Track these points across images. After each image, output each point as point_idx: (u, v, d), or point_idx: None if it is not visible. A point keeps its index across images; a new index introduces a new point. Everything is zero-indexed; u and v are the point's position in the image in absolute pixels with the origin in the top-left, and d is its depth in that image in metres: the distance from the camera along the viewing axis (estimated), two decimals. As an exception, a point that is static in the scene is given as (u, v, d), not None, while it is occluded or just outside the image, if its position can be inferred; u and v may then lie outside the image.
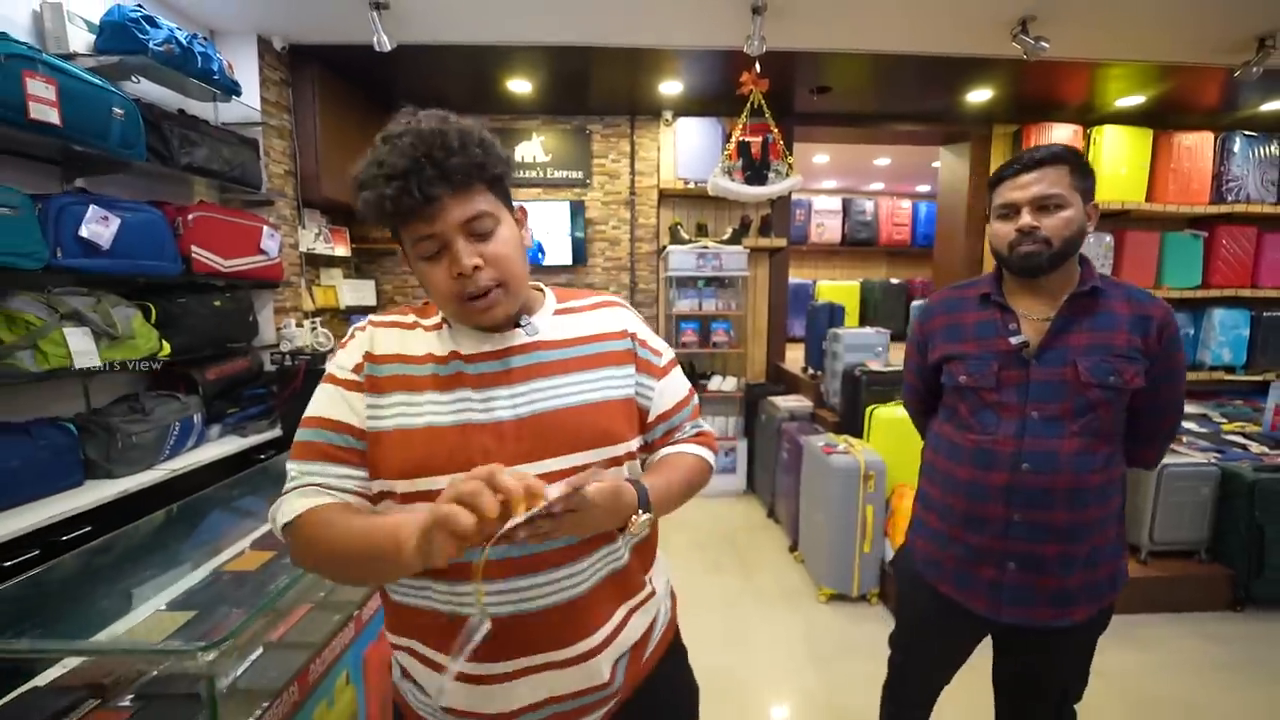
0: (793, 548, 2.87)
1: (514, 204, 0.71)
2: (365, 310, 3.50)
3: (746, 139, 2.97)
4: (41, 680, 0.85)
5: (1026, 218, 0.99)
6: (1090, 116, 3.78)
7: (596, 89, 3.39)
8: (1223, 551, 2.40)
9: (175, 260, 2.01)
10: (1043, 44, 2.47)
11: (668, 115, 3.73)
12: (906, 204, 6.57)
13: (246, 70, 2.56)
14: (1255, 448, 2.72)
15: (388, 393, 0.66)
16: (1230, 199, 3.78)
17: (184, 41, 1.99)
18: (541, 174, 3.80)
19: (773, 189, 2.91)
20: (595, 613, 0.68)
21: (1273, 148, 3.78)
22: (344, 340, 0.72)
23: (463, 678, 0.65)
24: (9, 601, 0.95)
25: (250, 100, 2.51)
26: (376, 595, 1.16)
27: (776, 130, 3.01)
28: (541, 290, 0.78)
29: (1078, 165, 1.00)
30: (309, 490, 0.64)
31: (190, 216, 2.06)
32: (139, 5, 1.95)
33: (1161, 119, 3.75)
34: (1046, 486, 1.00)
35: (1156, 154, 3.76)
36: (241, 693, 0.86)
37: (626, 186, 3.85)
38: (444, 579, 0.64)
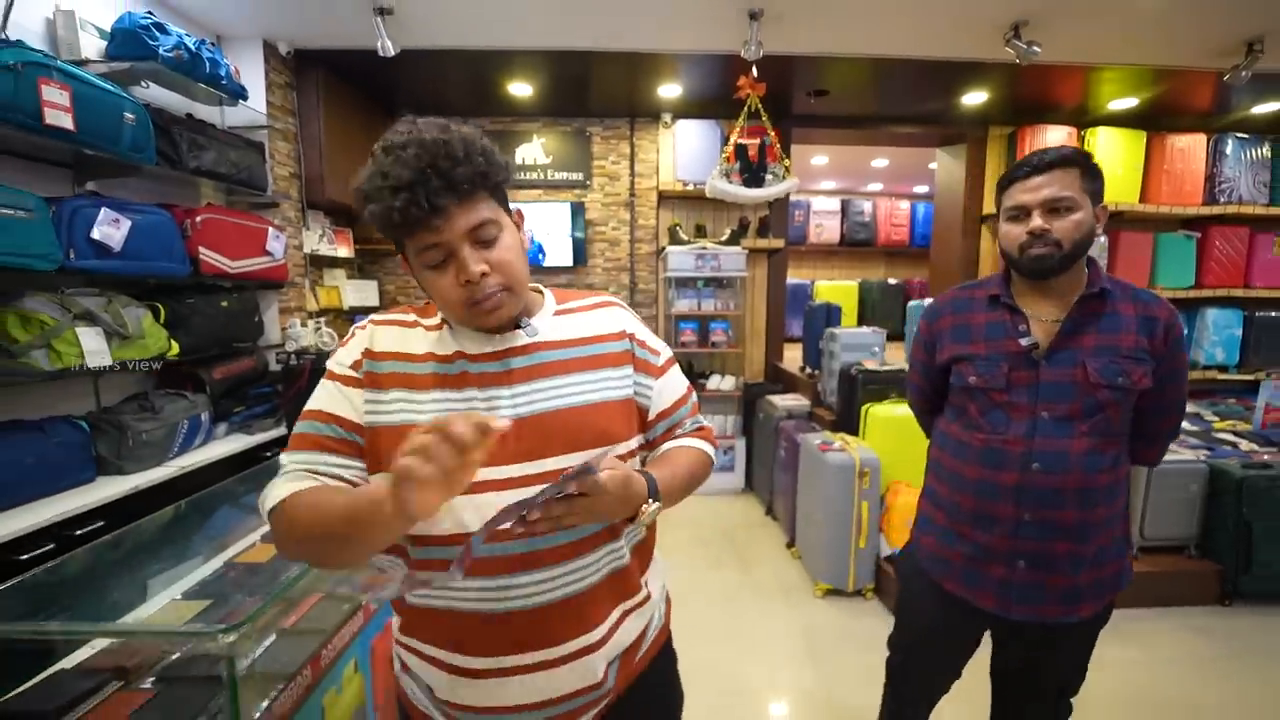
0: (790, 544, 2.91)
1: (511, 207, 0.72)
2: (368, 310, 3.54)
3: (744, 142, 3.01)
4: (68, 663, 0.90)
5: (1038, 220, 0.99)
6: (1085, 118, 3.83)
7: (596, 92, 3.43)
8: (1211, 547, 2.45)
9: (184, 261, 2.05)
10: (1035, 49, 2.51)
11: (667, 118, 3.77)
12: (905, 205, 6.61)
13: (252, 74, 2.60)
14: (1245, 445, 2.76)
15: (387, 389, 0.67)
16: (1223, 200, 3.82)
17: (193, 47, 2.03)
18: (542, 175, 3.84)
19: (769, 191, 2.95)
20: (594, 611, 0.69)
21: (1264, 150, 3.82)
22: (345, 338, 0.73)
23: (460, 671, 0.66)
24: (29, 592, 0.99)
25: (256, 104, 2.55)
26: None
27: (773, 133, 3.05)
28: (541, 292, 0.79)
29: (1088, 168, 1.00)
30: (296, 475, 0.65)
31: (198, 219, 2.10)
32: (149, 13, 1.99)
33: (1155, 121, 3.80)
34: (1057, 486, 1.01)
35: (1150, 155, 3.81)
36: (258, 676, 0.90)
37: (626, 188, 3.89)
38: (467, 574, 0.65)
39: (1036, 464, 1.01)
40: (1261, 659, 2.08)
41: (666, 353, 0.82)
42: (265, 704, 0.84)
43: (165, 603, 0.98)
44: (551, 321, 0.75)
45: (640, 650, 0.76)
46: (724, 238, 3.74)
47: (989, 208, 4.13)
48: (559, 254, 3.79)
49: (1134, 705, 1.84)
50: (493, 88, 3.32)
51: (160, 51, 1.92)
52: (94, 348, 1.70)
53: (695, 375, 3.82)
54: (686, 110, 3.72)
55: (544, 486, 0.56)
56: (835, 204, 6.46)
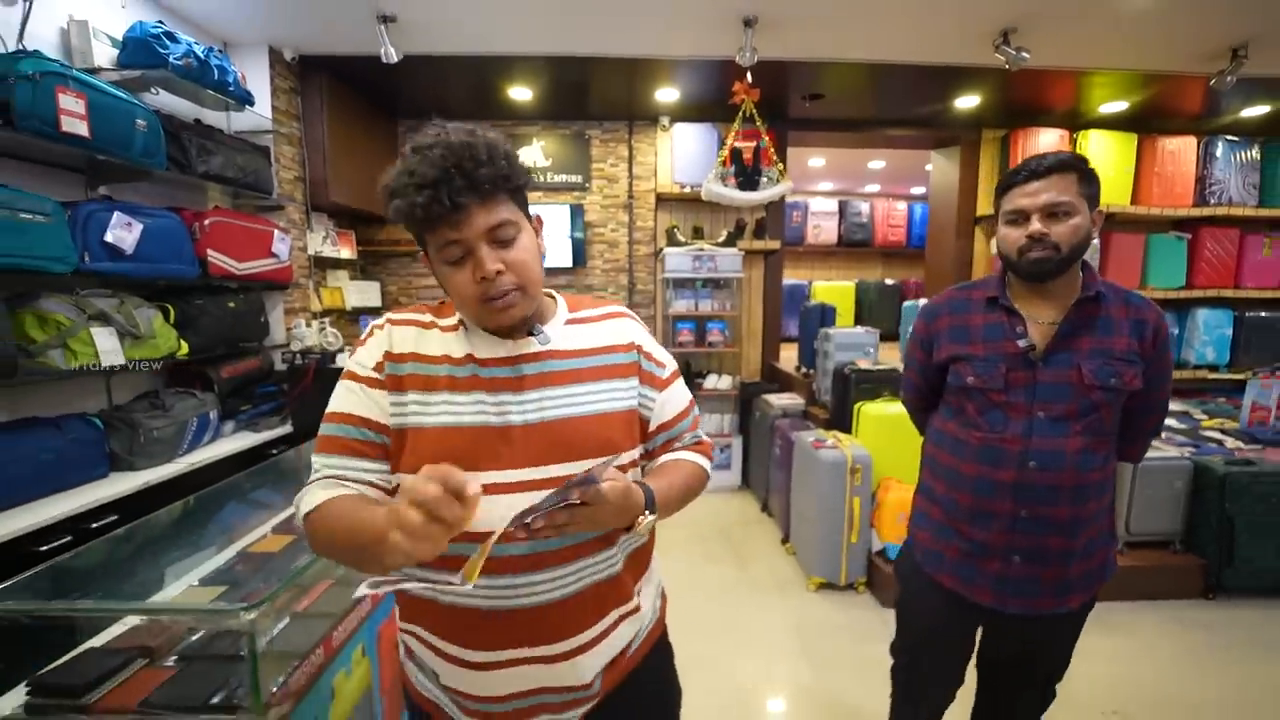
0: (785, 540, 2.96)
1: (531, 213, 0.75)
2: (371, 311, 3.60)
3: (739, 146, 3.07)
4: (96, 642, 0.95)
5: (1036, 224, 1.01)
6: (1076, 121, 3.88)
7: (595, 96, 3.48)
8: (1196, 542, 2.50)
9: (193, 263, 2.11)
10: (1024, 55, 2.57)
11: (665, 121, 3.83)
12: (902, 206, 6.66)
13: (258, 80, 2.66)
14: (1230, 443, 2.81)
15: (410, 391, 0.68)
16: (1213, 202, 3.87)
17: (201, 55, 2.09)
18: (542, 178, 3.90)
19: (764, 195, 3.01)
20: (585, 613, 0.71)
21: (1254, 152, 3.88)
22: (363, 338, 0.73)
23: (457, 661, 0.70)
24: (56, 578, 1.05)
25: (262, 109, 2.61)
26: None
27: (768, 138, 3.11)
28: (554, 298, 0.80)
29: (1085, 173, 1.03)
30: (328, 483, 0.67)
31: (206, 222, 2.16)
32: (159, 22, 2.05)
33: (1146, 124, 3.85)
34: (1053, 483, 1.04)
35: (1141, 158, 3.86)
36: (273, 655, 0.95)
37: (625, 190, 3.95)
38: (445, 570, 0.66)
39: (1033, 462, 1.04)
40: (1242, 650, 2.13)
41: (671, 366, 0.83)
42: (281, 679, 0.89)
43: (184, 588, 1.04)
44: (563, 330, 0.76)
45: (627, 654, 0.78)
46: (721, 239, 3.79)
47: (983, 209, 4.18)
48: (559, 255, 3.85)
49: (1119, 694, 1.89)
50: (493, 92, 3.38)
51: (170, 59, 1.98)
52: (108, 347, 1.76)
53: (692, 375, 3.88)
54: (684, 114, 3.78)
55: (550, 492, 0.58)
56: (833, 205, 6.51)
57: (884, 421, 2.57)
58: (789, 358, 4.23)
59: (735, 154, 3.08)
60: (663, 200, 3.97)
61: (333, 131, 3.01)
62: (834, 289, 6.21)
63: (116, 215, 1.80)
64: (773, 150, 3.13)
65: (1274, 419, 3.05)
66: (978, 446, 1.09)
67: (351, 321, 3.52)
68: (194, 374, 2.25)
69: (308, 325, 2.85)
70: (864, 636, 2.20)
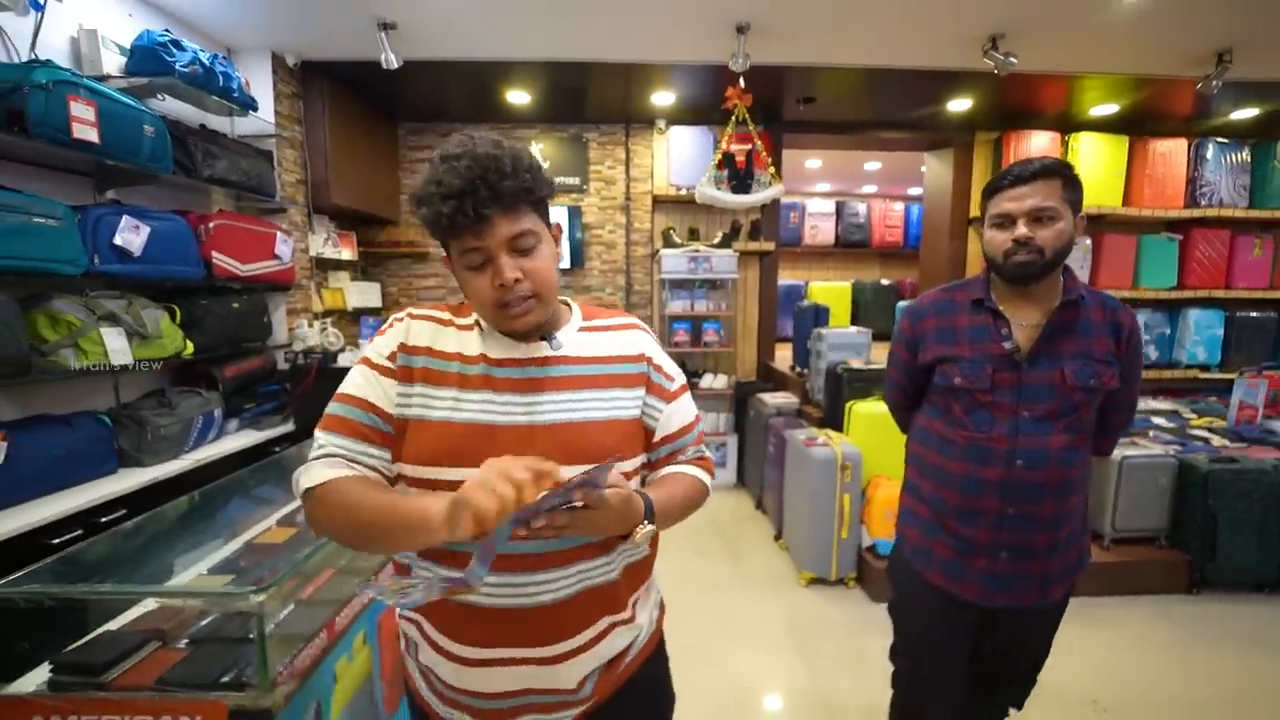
0: (778, 536, 3.02)
1: (551, 222, 0.76)
2: (372, 311, 3.66)
3: (731, 150, 3.12)
4: (113, 625, 1.01)
5: (1022, 229, 1.04)
6: (1068, 124, 3.93)
7: (593, 99, 3.54)
8: (1180, 538, 2.55)
9: (198, 265, 2.16)
10: (1011, 60, 2.62)
11: (661, 124, 3.88)
12: (899, 206, 6.70)
13: (261, 85, 2.71)
14: (1217, 441, 2.86)
15: (420, 383, 0.70)
16: (1204, 203, 3.92)
17: (206, 62, 2.14)
18: (540, 180, 3.95)
19: (756, 198, 3.06)
20: (577, 618, 0.72)
21: (1244, 154, 3.92)
22: (383, 328, 0.76)
23: (450, 655, 0.71)
24: (71, 567, 1.10)
25: (265, 113, 2.66)
26: (391, 562, 1.32)
27: (760, 142, 3.16)
28: (569, 305, 0.82)
29: (1069, 178, 1.05)
30: (334, 461, 0.68)
31: (211, 224, 2.22)
32: (166, 30, 2.10)
33: (1137, 126, 3.90)
34: (1039, 481, 1.07)
35: (1132, 160, 3.91)
36: (279, 637, 1.01)
37: (622, 192, 4.00)
38: (452, 566, 0.68)
39: (1020, 461, 1.07)
40: (1223, 643, 2.18)
41: (680, 380, 0.84)
42: (288, 660, 0.95)
43: (194, 576, 1.09)
44: (576, 337, 0.77)
45: (622, 663, 0.78)
46: (716, 240, 3.85)
47: (976, 211, 4.22)
48: (557, 256, 3.90)
49: (1105, 686, 1.93)
50: (492, 96, 3.43)
51: (177, 67, 2.03)
52: (117, 347, 1.81)
53: (688, 374, 3.93)
54: (680, 117, 3.83)
55: (552, 491, 0.58)
56: (830, 206, 6.55)
57: (875, 420, 2.62)
58: (784, 357, 4.28)
59: (728, 158, 3.13)
60: (659, 202, 4.02)
61: (334, 135, 3.07)
62: (830, 289, 6.26)
63: (125, 219, 1.85)
64: (765, 154, 3.18)
65: (1261, 418, 3.10)
66: (965, 445, 1.12)
67: (352, 322, 3.58)
68: (199, 373, 2.31)
69: (309, 325, 2.90)
70: (854, 630, 2.25)
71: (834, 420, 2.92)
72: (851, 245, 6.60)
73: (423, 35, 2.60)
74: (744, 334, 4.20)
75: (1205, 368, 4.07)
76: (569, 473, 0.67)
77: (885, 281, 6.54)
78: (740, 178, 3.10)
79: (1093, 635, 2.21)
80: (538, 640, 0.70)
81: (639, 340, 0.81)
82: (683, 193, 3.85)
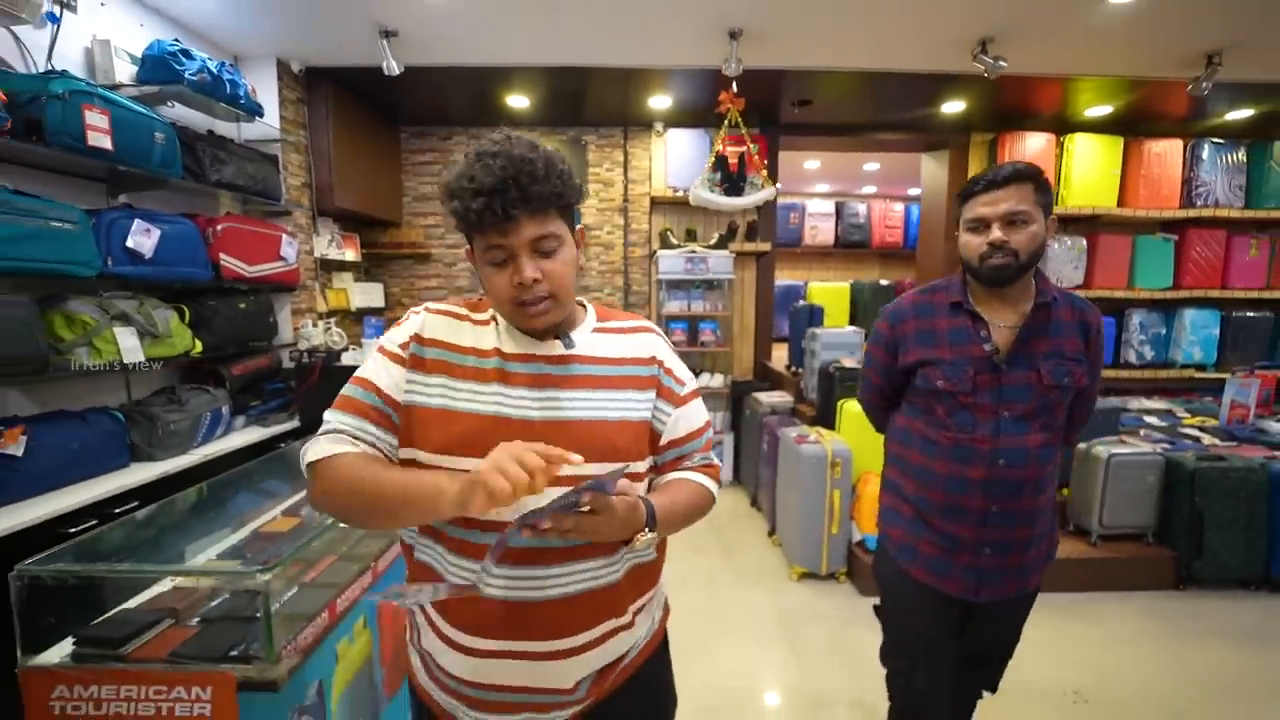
0: (771, 532, 3.07)
1: (576, 226, 0.77)
2: (375, 311, 3.73)
3: (724, 153, 3.17)
4: (130, 605, 1.08)
5: (997, 232, 1.07)
6: (1063, 125, 3.95)
7: (591, 103, 3.60)
8: (1167, 535, 2.59)
9: (206, 267, 2.24)
10: (1001, 63, 2.66)
11: (659, 127, 3.94)
12: (899, 207, 6.73)
13: (267, 91, 2.79)
14: (1207, 440, 2.89)
15: (431, 374, 0.72)
16: (1199, 204, 3.94)
17: (214, 71, 2.21)
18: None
19: (748, 200, 3.12)
20: (576, 618, 0.72)
21: (1240, 154, 3.94)
22: (401, 319, 0.78)
23: (452, 644, 0.72)
24: (89, 552, 1.17)
25: (270, 119, 2.74)
26: (392, 548, 1.38)
27: (752, 145, 3.22)
28: (584, 306, 0.83)
29: (1040, 183, 1.09)
30: (339, 438, 0.71)
31: (219, 227, 2.29)
32: (175, 39, 2.18)
33: (1133, 126, 3.92)
34: (1020, 478, 1.11)
35: (1128, 160, 3.93)
36: (284, 616, 1.07)
37: (620, 194, 4.06)
38: (463, 555, 0.71)
39: (1003, 460, 1.11)
40: (1204, 638, 2.22)
41: (692, 385, 0.84)
42: (291, 637, 1.01)
43: (204, 560, 1.16)
44: (589, 337, 0.78)
45: (618, 668, 0.79)
46: (713, 241, 3.90)
47: (971, 212, 4.26)
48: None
49: (1092, 679, 1.97)
50: (491, 100, 3.50)
51: (186, 75, 2.11)
52: (129, 345, 1.89)
53: (686, 373, 3.97)
54: (678, 119, 3.88)
55: (560, 493, 0.59)
56: (830, 206, 6.59)
57: (865, 418, 2.66)
58: (781, 357, 4.33)
59: (721, 161, 3.19)
60: (657, 204, 4.08)
61: (337, 139, 3.14)
62: (829, 289, 6.29)
63: (136, 222, 1.93)
64: (757, 157, 3.23)
65: (1253, 417, 3.13)
66: (949, 446, 1.15)
67: (356, 322, 3.65)
68: (207, 371, 2.38)
69: (314, 325, 2.98)
70: (843, 622, 2.30)
71: (826, 418, 2.97)
72: (851, 246, 6.63)
73: (423, 42, 2.67)
74: (741, 334, 4.26)
75: (1201, 367, 4.09)
76: (577, 471, 0.67)
77: (884, 282, 6.57)
78: (733, 180, 3.15)
79: (1078, 629, 2.25)
80: (537, 635, 0.70)
81: (652, 343, 0.82)
82: (680, 194, 3.91)
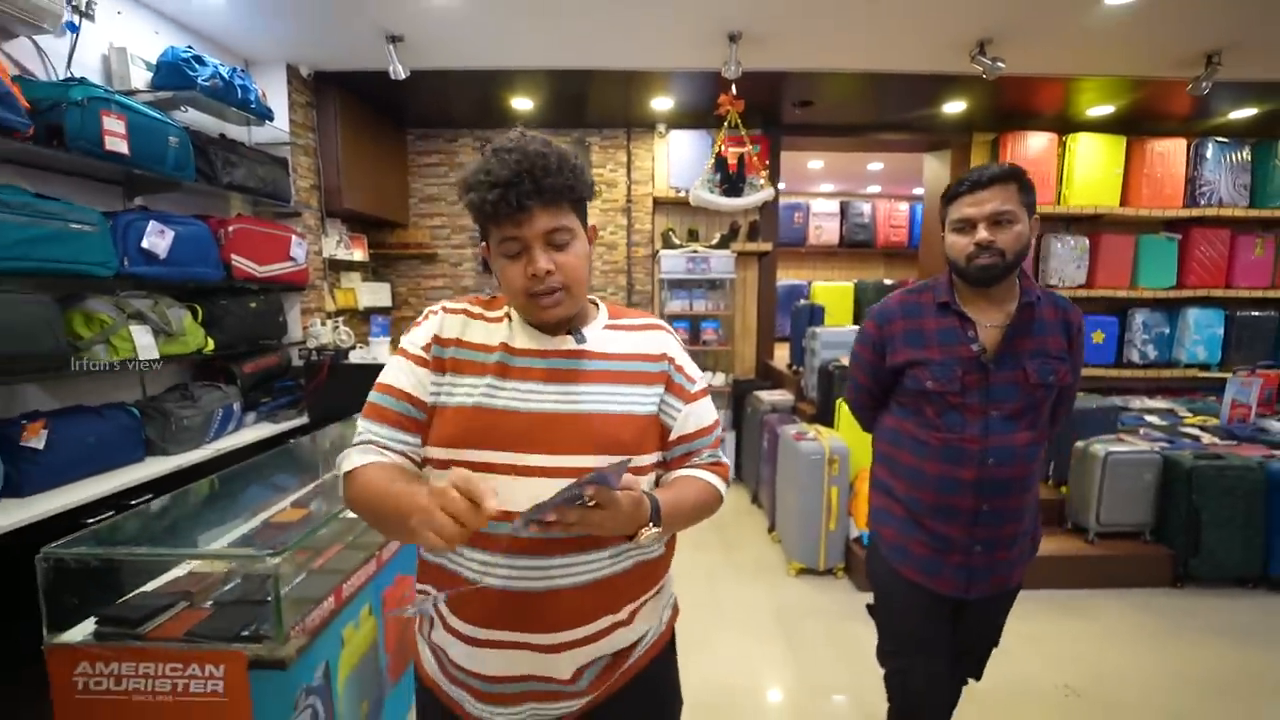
0: (771, 528, 3.10)
1: (589, 223, 0.79)
2: (382, 310, 3.80)
3: (724, 155, 3.21)
4: (147, 588, 1.14)
5: (983, 232, 1.08)
6: (1065, 124, 3.95)
7: (594, 105, 3.65)
8: (1165, 533, 2.59)
9: (218, 267, 2.30)
10: (999, 64, 2.68)
11: (661, 128, 3.98)
12: (904, 206, 6.72)
13: (277, 95, 2.85)
14: (1207, 439, 2.90)
15: (447, 372, 0.74)
16: (1203, 203, 3.92)
17: (226, 76, 2.28)
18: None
19: (747, 200, 3.15)
20: (576, 610, 0.73)
21: (1244, 153, 3.92)
22: (419, 319, 0.79)
23: (457, 634, 0.74)
24: (107, 539, 1.23)
25: (280, 122, 2.80)
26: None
27: (751, 146, 3.25)
28: (596, 304, 0.84)
29: (1024, 183, 1.10)
30: (368, 448, 0.73)
31: (230, 228, 2.35)
32: (189, 46, 2.24)
33: (1135, 126, 3.91)
34: (1009, 477, 1.13)
35: (1130, 160, 3.93)
36: (293, 600, 1.13)
37: (623, 194, 4.10)
38: (474, 547, 0.71)
39: (992, 459, 1.12)
40: (1199, 635, 2.23)
41: (702, 382, 0.84)
42: (300, 618, 1.06)
43: (217, 547, 1.21)
44: (600, 334, 0.79)
45: (627, 661, 0.80)
46: (714, 241, 3.93)
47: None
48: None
49: (1087, 676, 1.99)
50: (496, 102, 3.55)
51: (199, 81, 2.17)
52: (145, 343, 1.95)
53: (688, 372, 4.01)
54: (680, 121, 3.92)
55: (563, 486, 0.59)
56: (834, 206, 6.59)
57: (864, 416, 2.69)
58: (783, 356, 4.35)
59: (720, 162, 3.22)
60: (660, 204, 4.12)
61: (345, 142, 3.21)
62: (833, 289, 6.30)
63: (151, 224, 1.99)
64: (756, 158, 3.26)
65: (1255, 416, 3.12)
66: (939, 447, 1.15)
67: (363, 320, 3.72)
68: (219, 369, 2.45)
69: (323, 324, 3.04)
70: (839, 616, 2.34)
71: (825, 416, 2.99)
72: (856, 245, 6.62)
73: (429, 47, 2.73)
74: (743, 333, 4.29)
75: (1205, 367, 4.08)
76: (586, 462, 0.70)
77: (888, 281, 6.57)
78: (732, 181, 3.19)
79: (1072, 625, 2.27)
80: (536, 626, 0.71)
81: (662, 340, 0.82)
82: (682, 195, 3.94)
